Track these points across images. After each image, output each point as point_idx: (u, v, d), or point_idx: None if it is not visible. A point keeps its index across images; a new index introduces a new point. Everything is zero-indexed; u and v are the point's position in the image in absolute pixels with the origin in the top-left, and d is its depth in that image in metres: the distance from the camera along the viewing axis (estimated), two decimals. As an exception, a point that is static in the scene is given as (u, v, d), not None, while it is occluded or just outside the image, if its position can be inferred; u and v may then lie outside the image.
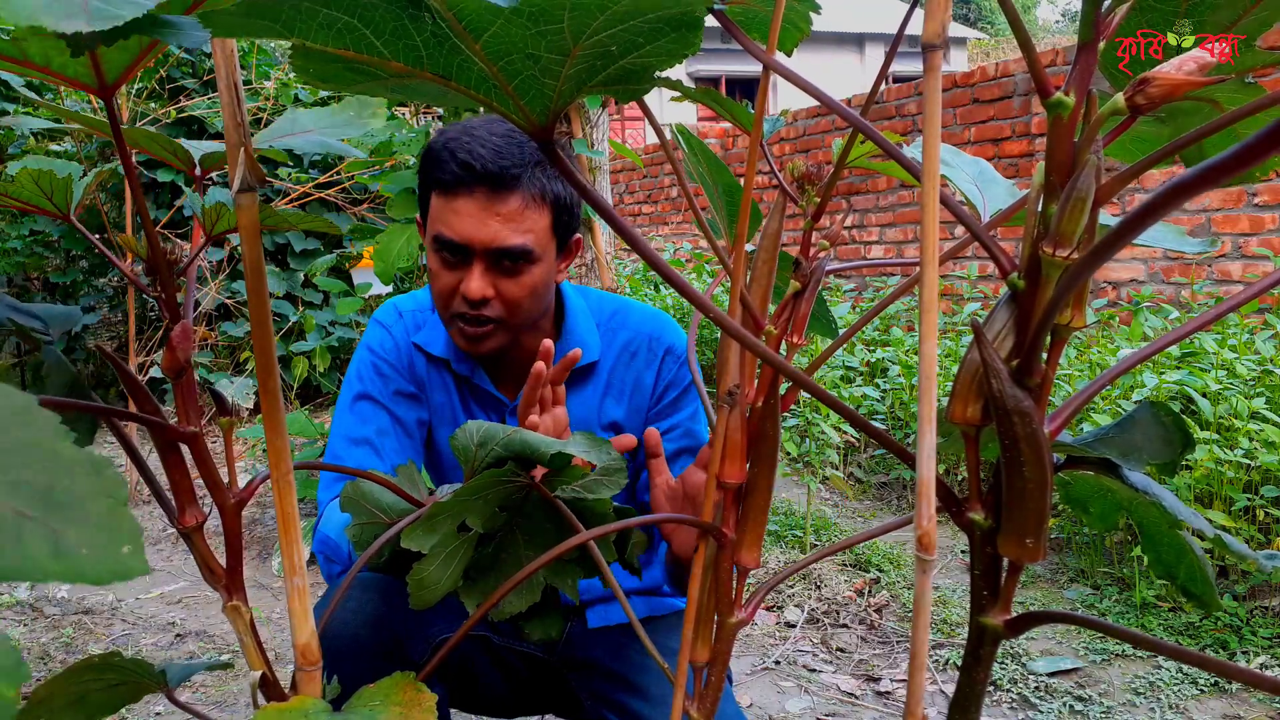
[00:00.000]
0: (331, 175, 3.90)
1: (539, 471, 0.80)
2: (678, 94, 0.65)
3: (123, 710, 1.97)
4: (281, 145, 0.64)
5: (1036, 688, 2.02)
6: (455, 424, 1.28)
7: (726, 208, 0.64)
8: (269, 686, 0.64)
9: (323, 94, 4.94)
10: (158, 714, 1.99)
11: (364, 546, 1.02)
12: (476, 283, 1.11)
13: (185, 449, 0.63)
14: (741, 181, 0.61)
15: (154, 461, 1.12)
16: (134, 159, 0.62)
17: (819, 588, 2.58)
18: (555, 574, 0.86)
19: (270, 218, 0.67)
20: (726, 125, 7.30)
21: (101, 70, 0.54)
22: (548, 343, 0.98)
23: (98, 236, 4.60)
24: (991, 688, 2.03)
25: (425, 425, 1.27)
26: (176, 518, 0.62)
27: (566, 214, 1.17)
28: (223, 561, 0.63)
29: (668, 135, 0.66)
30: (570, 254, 1.22)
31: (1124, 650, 2.17)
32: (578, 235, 1.23)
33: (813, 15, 0.64)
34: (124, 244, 0.67)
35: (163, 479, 0.64)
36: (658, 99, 0.69)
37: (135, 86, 3.97)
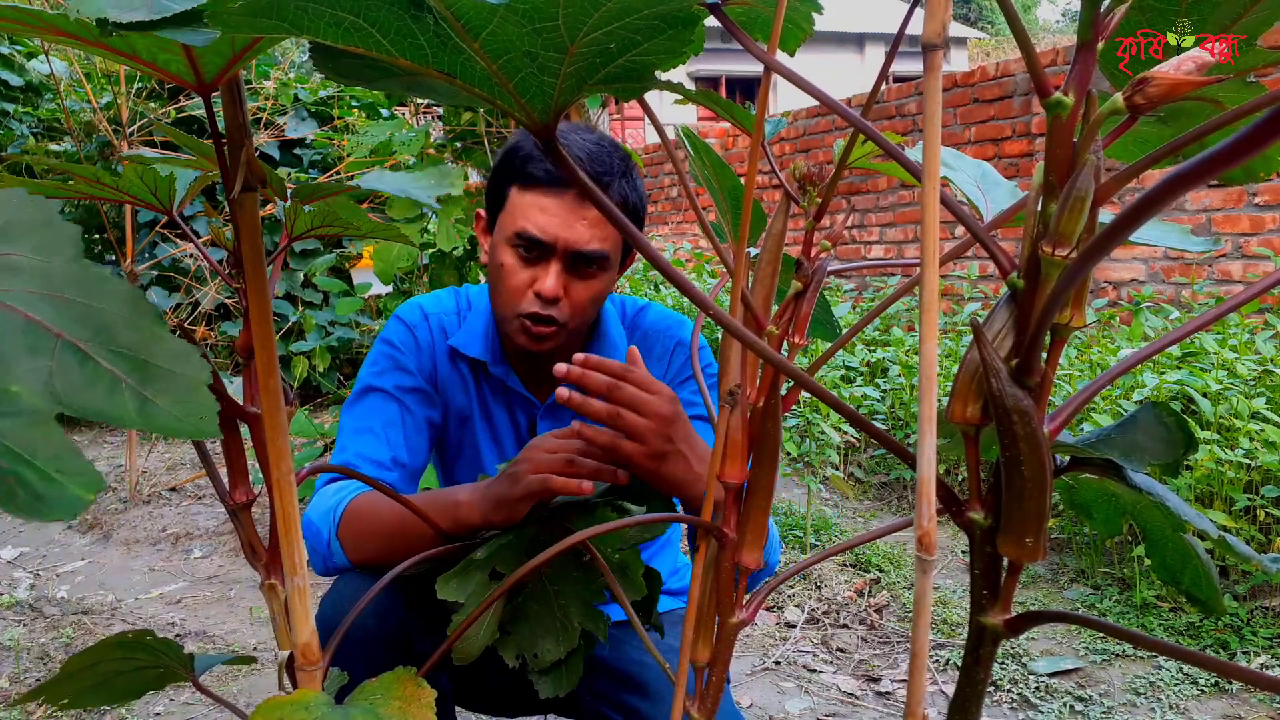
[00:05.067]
0: (331, 175, 3.90)
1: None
2: (682, 89, 0.65)
3: (121, 710, 1.97)
4: (370, 186, 0.69)
5: (1037, 688, 2.02)
6: (474, 425, 1.29)
7: (730, 209, 0.65)
8: (296, 669, 0.64)
9: (323, 94, 4.95)
10: (157, 714, 1.99)
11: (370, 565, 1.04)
12: (554, 281, 1.14)
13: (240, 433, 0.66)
14: (744, 182, 0.61)
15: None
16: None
17: (819, 588, 2.58)
18: (589, 618, 0.87)
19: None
20: (727, 125, 7.29)
21: (199, 69, 0.55)
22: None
23: (97, 235, 4.61)
24: (992, 688, 2.03)
25: (436, 427, 1.28)
26: (228, 494, 0.65)
27: (638, 226, 1.22)
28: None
29: (669, 135, 0.66)
30: (625, 267, 1.26)
31: (1124, 650, 2.17)
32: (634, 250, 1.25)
33: (814, 15, 0.64)
34: (215, 237, 0.70)
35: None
36: (658, 97, 0.69)
37: (135, 86, 3.96)
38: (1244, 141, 0.28)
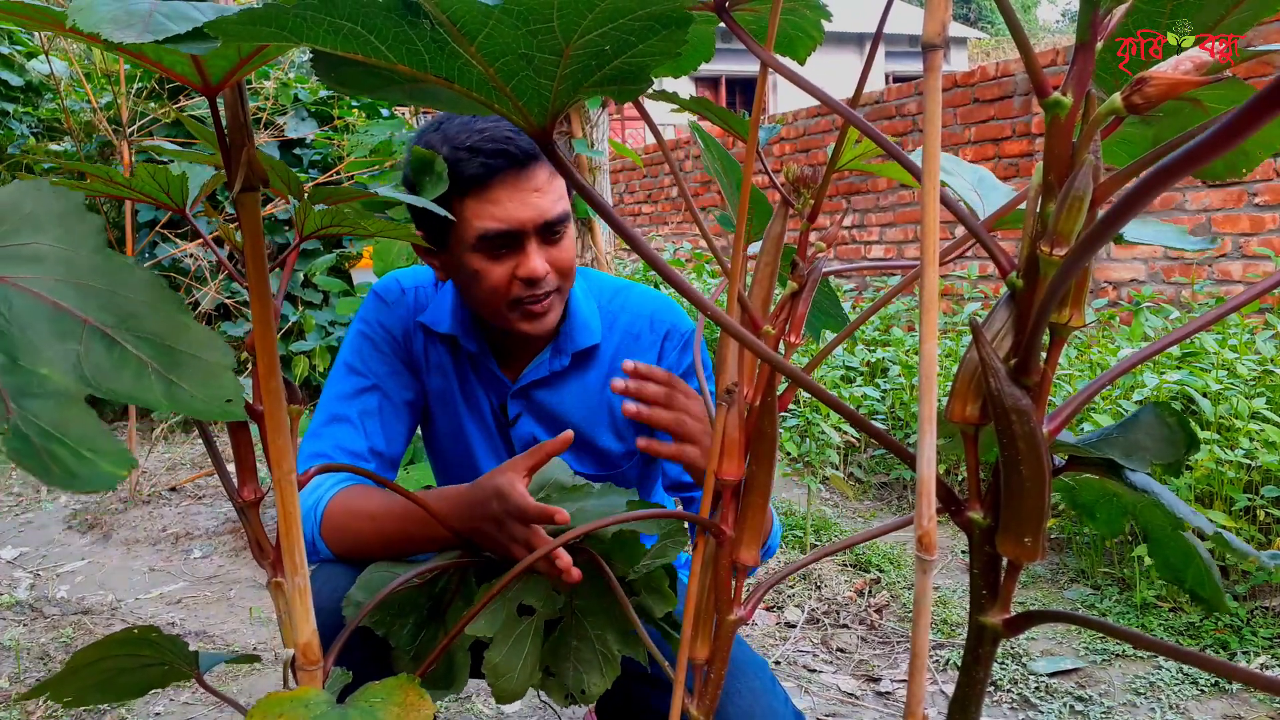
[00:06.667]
0: (331, 175, 3.90)
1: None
2: (676, 98, 0.65)
3: (121, 710, 1.97)
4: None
5: (1037, 688, 2.02)
6: (455, 407, 1.28)
7: (738, 199, 0.65)
8: (297, 668, 0.65)
9: (323, 94, 4.95)
10: (157, 714, 1.99)
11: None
12: (538, 260, 1.14)
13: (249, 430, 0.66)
14: (741, 185, 0.61)
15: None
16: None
17: (819, 588, 2.58)
18: (627, 645, 0.89)
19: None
20: (726, 125, 7.25)
21: (205, 72, 0.55)
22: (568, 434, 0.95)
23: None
24: (992, 688, 2.03)
25: (416, 406, 1.27)
26: (237, 491, 0.65)
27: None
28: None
29: (666, 136, 0.66)
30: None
31: (1124, 650, 2.17)
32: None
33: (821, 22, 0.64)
34: (224, 235, 0.71)
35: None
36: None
37: (136, 86, 3.96)
38: (1222, 134, 0.28)
